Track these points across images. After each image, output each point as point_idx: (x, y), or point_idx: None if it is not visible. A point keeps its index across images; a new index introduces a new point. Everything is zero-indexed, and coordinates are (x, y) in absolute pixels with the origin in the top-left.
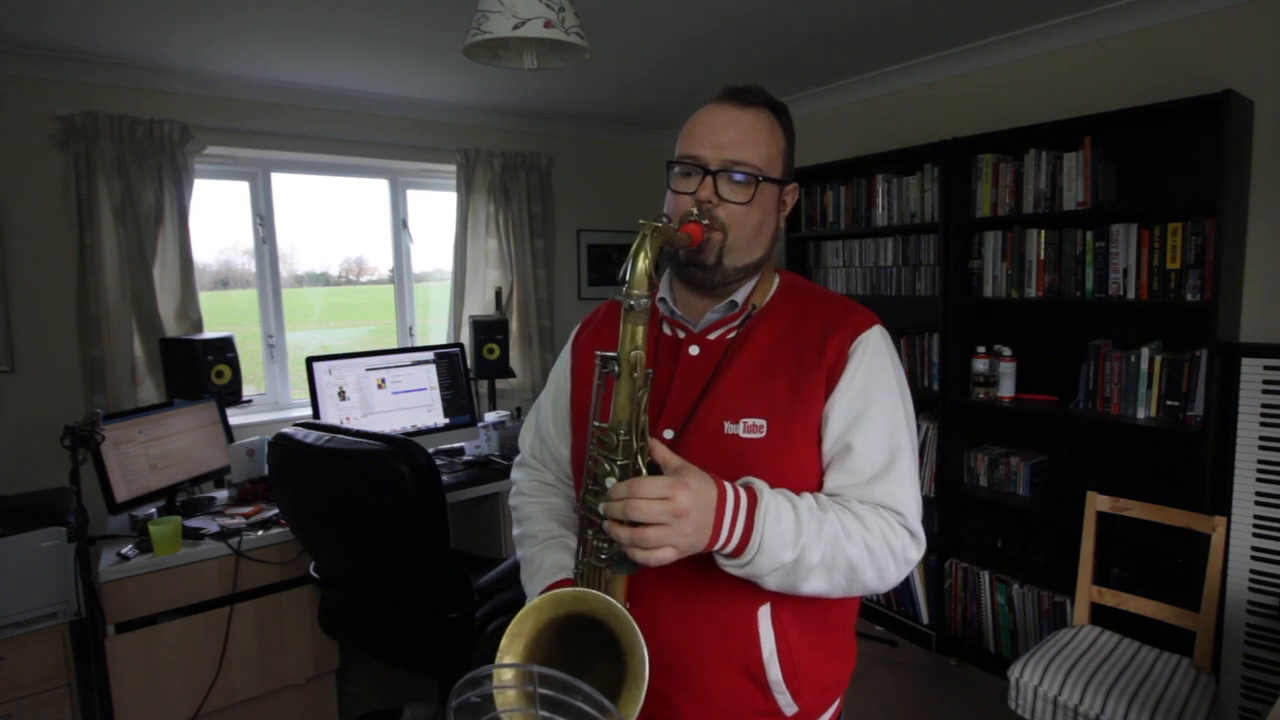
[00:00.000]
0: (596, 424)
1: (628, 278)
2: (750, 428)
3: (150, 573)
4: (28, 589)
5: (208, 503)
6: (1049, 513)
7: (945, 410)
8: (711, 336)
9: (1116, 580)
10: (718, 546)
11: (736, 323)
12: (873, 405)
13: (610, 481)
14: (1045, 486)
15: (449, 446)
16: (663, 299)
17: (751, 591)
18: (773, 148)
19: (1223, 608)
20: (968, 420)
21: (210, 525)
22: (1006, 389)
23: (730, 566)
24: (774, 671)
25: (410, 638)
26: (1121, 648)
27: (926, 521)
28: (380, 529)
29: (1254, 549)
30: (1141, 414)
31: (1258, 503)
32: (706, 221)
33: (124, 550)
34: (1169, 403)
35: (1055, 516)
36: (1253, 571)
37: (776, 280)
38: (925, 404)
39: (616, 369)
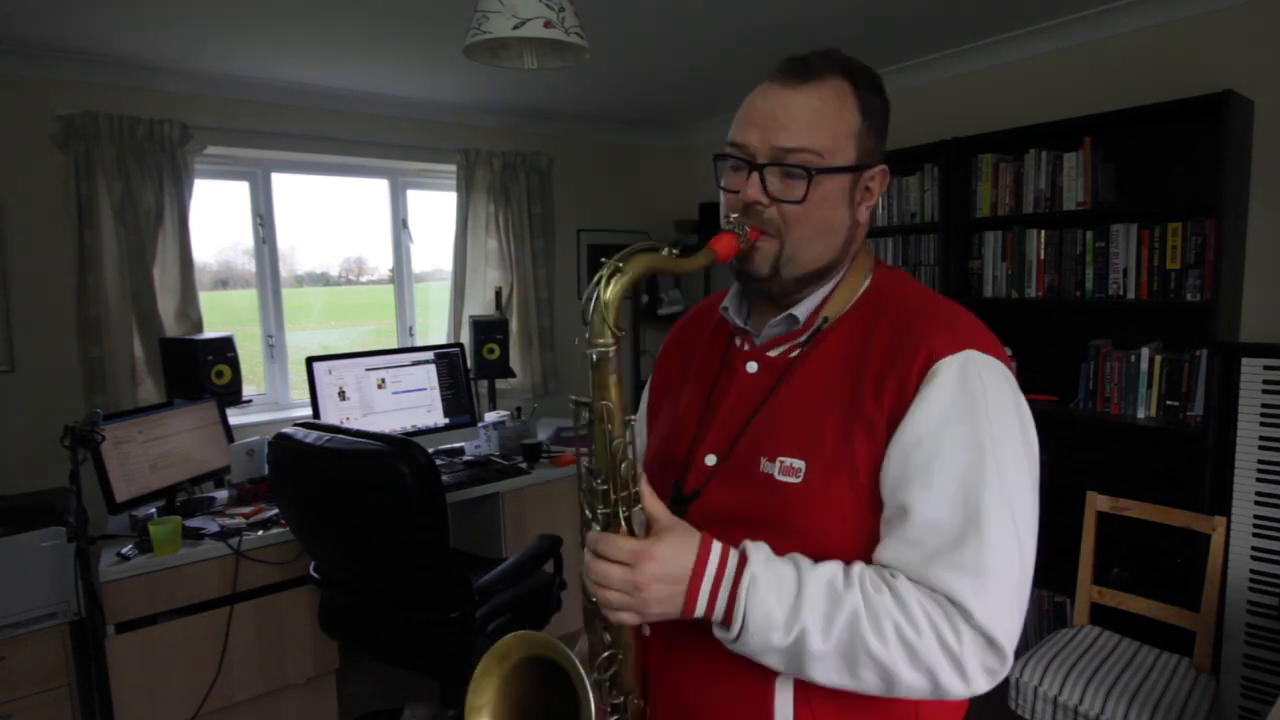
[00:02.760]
0: (586, 464)
1: (585, 321)
2: (786, 469)
3: (150, 573)
4: (28, 589)
5: (208, 503)
6: (1049, 513)
7: None
8: (772, 353)
9: (1116, 580)
10: (697, 616)
11: (801, 339)
12: (943, 455)
13: (595, 528)
14: (1045, 486)
15: (449, 446)
16: (725, 307)
17: None
18: (838, 128)
19: (1223, 608)
20: None
21: (210, 525)
22: None
23: (724, 640)
24: None
25: (410, 638)
26: (1122, 648)
27: None
28: (380, 529)
29: (1254, 549)
30: (1141, 414)
31: (1258, 503)
32: (748, 228)
33: (124, 550)
34: (1169, 403)
35: (1055, 516)
36: (1253, 571)
37: (866, 284)
38: None
39: (588, 417)
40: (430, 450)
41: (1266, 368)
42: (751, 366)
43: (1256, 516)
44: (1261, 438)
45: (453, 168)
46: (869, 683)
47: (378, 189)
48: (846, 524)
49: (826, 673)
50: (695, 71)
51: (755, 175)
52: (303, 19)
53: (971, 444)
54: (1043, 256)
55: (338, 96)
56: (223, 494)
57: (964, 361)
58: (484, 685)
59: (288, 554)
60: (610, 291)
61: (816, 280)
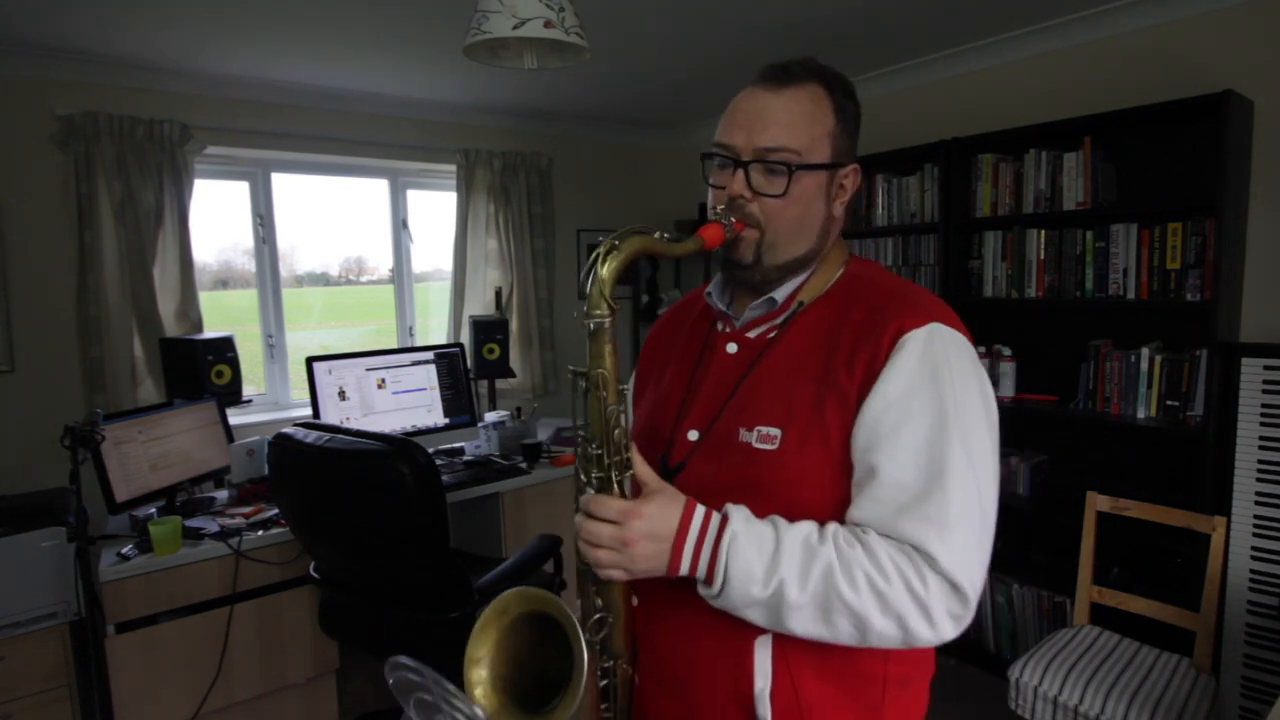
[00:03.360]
0: (581, 432)
1: (583, 295)
2: (764, 437)
3: (150, 573)
4: (28, 589)
5: (208, 503)
6: (1049, 513)
7: None
8: (751, 335)
9: (1116, 580)
10: (681, 574)
11: (778, 321)
12: (910, 419)
13: (589, 492)
14: (1045, 486)
15: (449, 446)
16: (709, 293)
17: None
18: (815, 129)
19: (1223, 608)
20: None
21: (210, 525)
22: (1006, 389)
23: (707, 597)
24: (763, 709)
25: (410, 638)
26: (1121, 648)
27: None
28: (380, 529)
29: (1254, 549)
30: (1141, 414)
31: (1258, 503)
32: (734, 220)
33: (124, 550)
34: (1169, 403)
35: (1055, 516)
36: (1253, 571)
37: (839, 272)
38: None
39: (584, 385)
40: (430, 450)
41: (1266, 368)
42: (731, 347)
43: (1256, 516)
44: (1261, 438)
45: (453, 168)
46: (844, 632)
47: (378, 189)
48: (820, 488)
49: (804, 624)
50: (695, 71)
51: (740, 172)
52: (303, 19)
53: (936, 408)
54: (1043, 256)
55: (338, 96)
56: (223, 494)
57: (929, 333)
58: (483, 638)
59: (288, 554)
60: (607, 268)
61: (795, 268)
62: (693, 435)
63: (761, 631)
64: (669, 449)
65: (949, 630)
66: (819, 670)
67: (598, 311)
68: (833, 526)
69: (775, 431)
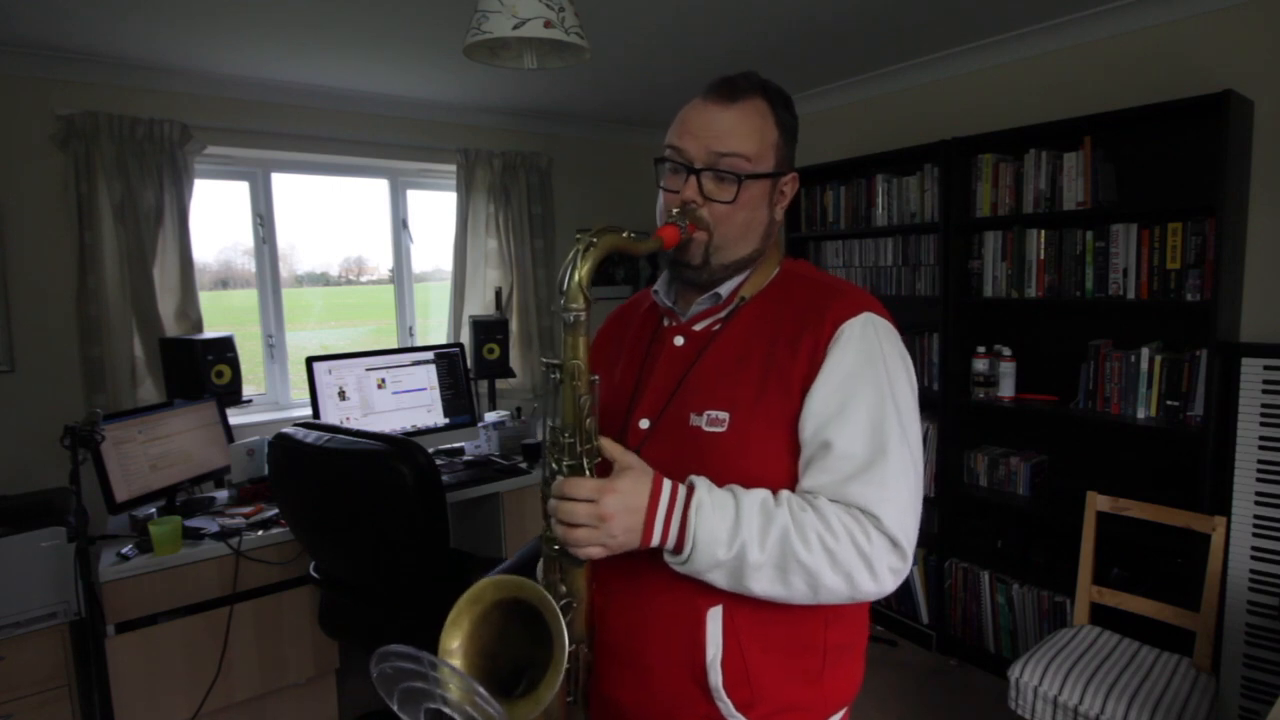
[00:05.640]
0: (551, 424)
1: (563, 290)
2: (713, 420)
3: (150, 573)
4: (28, 589)
5: (208, 503)
6: (1049, 513)
7: (945, 410)
8: (697, 328)
9: (1116, 580)
10: (654, 544)
11: (722, 314)
12: (855, 399)
13: (560, 480)
14: (1045, 486)
15: (449, 446)
16: (656, 290)
17: (702, 591)
18: (762, 140)
19: (1223, 608)
20: (968, 420)
21: (210, 525)
22: (1006, 389)
23: (674, 564)
24: (715, 677)
25: (410, 638)
26: (1121, 648)
27: (926, 521)
28: (380, 529)
29: (1254, 549)
30: (1141, 414)
31: (1258, 503)
32: (688, 222)
33: (124, 550)
34: (1169, 403)
35: (1055, 516)
36: (1253, 571)
37: (777, 270)
38: (925, 404)
39: (559, 376)
40: (430, 450)
41: (1266, 368)
42: (679, 340)
43: (1256, 516)
44: (1261, 438)
45: (453, 168)
46: (798, 589)
47: (378, 189)
48: (767, 463)
49: (763, 583)
50: (695, 71)
51: (693, 178)
52: (303, 19)
53: (875, 388)
54: (1043, 256)
55: (338, 96)
56: (223, 494)
57: (864, 322)
58: (453, 633)
59: (288, 554)
60: (585, 264)
61: (739, 268)
62: (644, 424)
63: (712, 605)
64: (622, 438)
65: (889, 583)
66: (764, 640)
67: (575, 305)
68: (785, 493)
69: (723, 415)
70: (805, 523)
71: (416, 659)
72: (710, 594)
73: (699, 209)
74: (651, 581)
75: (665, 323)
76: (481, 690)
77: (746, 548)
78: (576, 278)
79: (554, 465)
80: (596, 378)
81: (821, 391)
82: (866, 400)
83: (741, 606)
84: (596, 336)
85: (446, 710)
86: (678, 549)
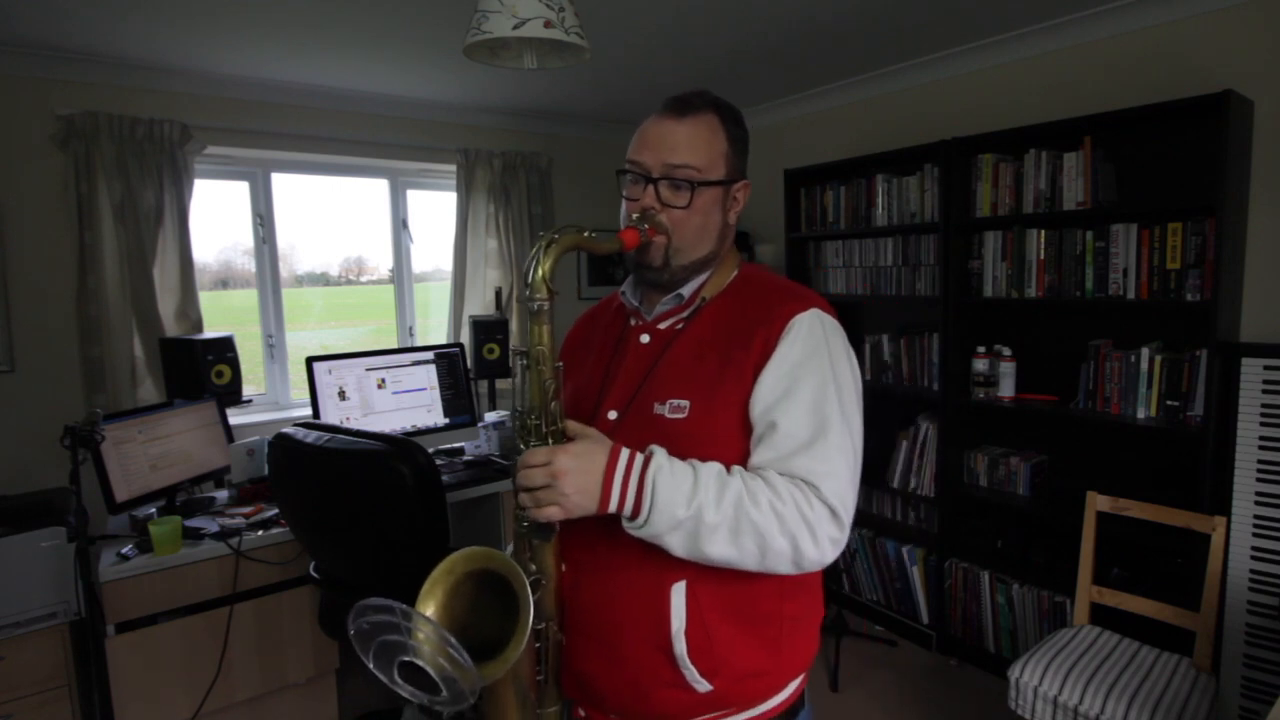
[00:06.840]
0: (518, 409)
1: (528, 283)
2: (675, 408)
3: (150, 573)
4: (28, 589)
5: (208, 503)
6: (1049, 513)
7: (945, 410)
8: (662, 326)
9: (1116, 580)
10: (612, 507)
11: (685, 313)
12: (800, 384)
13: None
14: (1045, 486)
15: (449, 446)
16: (624, 292)
17: (667, 566)
18: (713, 151)
19: (1223, 608)
20: (968, 420)
21: (210, 525)
22: (1006, 389)
23: (633, 529)
24: (680, 646)
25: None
26: (1121, 648)
27: (927, 521)
28: (380, 529)
29: (1254, 549)
30: (1141, 414)
31: (1258, 503)
32: (647, 226)
33: (124, 550)
34: (1169, 403)
35: (1055, 516)
36: (1253, 571)
37: (735, 274)
38: (925, 404)
39: (525, 363)
40: (430, 450)
41: (1266, 368)
42: (645, 338)
43: (1256, 516)
44: (1261, 438)
45: (453, 168)
46: (749, 551)
47: (378, 189)
48: (723, 445)
49: (717, 545)
50: (695, 71)
51: (650, 187)
52: (303, 19)
53: (819, 375)
54: (1043, 256)
55: (338, 96)
56: (223, 494)
57: (812, 317)
58: (427, 603)
59: (288, 554)
60: (548, 260)
61: (698, 268)
62: (612, 415)
63: (676, 580)
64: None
65: (829, 552)
66: (726, 611)
67: (539, 295)
68: (736, 467)
69: (684, 403)
70: (756, 489)
71: (390, 609)
72: (675, 569)
73: (658, 214)
74: (618, 558)
75: (632, 322)
76: (453, 639)
77: (704, 509)
78: (540, 272)
79: (522, 447)
80: (559, 365)
81: (770, 377)
82: (811, 385)
83: (705, 581)
84: (568, 337)
85: (419, 663)
86: (635, 512)
